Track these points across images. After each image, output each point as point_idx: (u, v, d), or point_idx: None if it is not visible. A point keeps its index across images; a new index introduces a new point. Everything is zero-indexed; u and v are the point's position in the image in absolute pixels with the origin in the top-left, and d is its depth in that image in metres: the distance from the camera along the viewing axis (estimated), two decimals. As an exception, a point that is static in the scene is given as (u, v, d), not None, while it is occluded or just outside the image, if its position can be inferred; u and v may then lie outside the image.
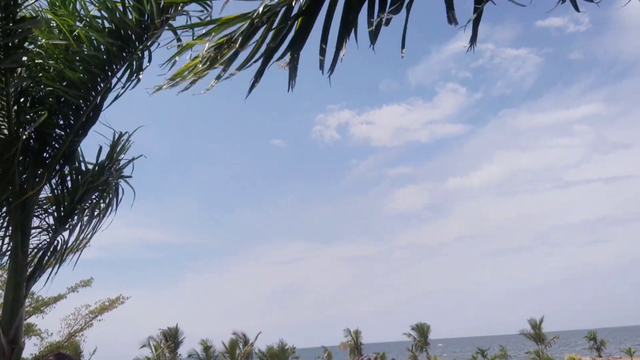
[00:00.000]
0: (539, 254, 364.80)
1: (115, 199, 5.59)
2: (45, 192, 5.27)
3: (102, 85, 4.96)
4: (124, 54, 4.94)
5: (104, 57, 4.78)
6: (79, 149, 5.33)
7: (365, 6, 2.99)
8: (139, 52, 4.97)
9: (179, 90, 4.19)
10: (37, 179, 4.91)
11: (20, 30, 4.32)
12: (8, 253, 4.95)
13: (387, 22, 2.98)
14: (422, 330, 49.53)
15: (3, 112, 4.63)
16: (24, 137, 4.78)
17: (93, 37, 4.76)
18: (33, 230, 5.17)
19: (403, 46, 3.18)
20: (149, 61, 5.06)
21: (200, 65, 4.02)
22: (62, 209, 5.14)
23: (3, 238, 5.05)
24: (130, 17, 4.61)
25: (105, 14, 4.67)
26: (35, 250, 5.06)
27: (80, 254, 5.55)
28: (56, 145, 5.03)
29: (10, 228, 4.97)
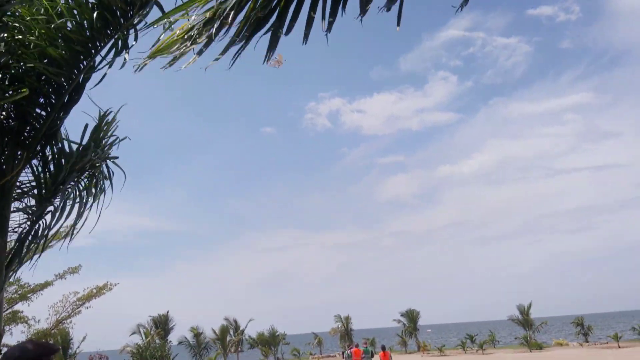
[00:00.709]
0: (528, 241, 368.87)
1: (102, 182, 5.40)
2: (26, 174, 5.08)
3: (84, 63, 4.77)
4: (109, 32, 4.74)
5: (87, 33, 4.59)
6: (62, 129, 5.14)
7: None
8: (124, 30, 4.78)
9: (161, 66, 4.04)
10: (16, 161, 4.71)
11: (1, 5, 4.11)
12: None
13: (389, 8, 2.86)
14: (411, 317, 49.95)
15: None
16: (2, 115, 4.59)
17: (76, 12, 4.56)
18: (13, 214, 4.99)
19: (399, 23, 3.05)
20: (135, 39, 4.86)
21: (186, 42, 3.86)
22: (43, 191, 4.95)
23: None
24: (114, -9, 4.42)
25: (88, -12, 4.46)
26: (16, 234, 4.88)
27: (71, 239, 5.35)
28: (37, 125, 4.84)
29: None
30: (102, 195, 5.29)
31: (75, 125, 5.29)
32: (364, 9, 2.97)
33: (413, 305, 54.10)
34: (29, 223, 5.03)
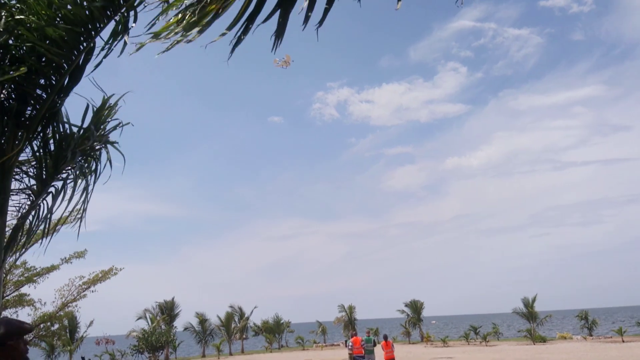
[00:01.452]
0: (534, 233, 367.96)
1: (100, 165, 5.42)
2: (27, 155, 5.10)
3: (84, 44, 4.75)
4: (108, 12, 4.72)
5: (87, 13, 4.57)
6: (63, 111, 5.14)
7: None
8: (123, 11, 4.75)
9: (158, 51, 4.03)
10: (17, 141, 4.73)
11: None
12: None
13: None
14: (415, 307, 50.02)
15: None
16: (3, 95, 4.59)
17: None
18: (15, 197, 5.01)
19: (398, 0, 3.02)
20: (134, 21, 4.84)
21: (180, 27, 3.84)
22: (44, 171, 4.97)
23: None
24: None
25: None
26: (16, 213, 4.91)
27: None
28: (37, 105, 4.84)
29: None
30: (99, 178, 5.30)
31: (79, 109, 5.30)
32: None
33: (418, 296, 54.29)
34: (29, 203, 5.05)
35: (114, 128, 5.50)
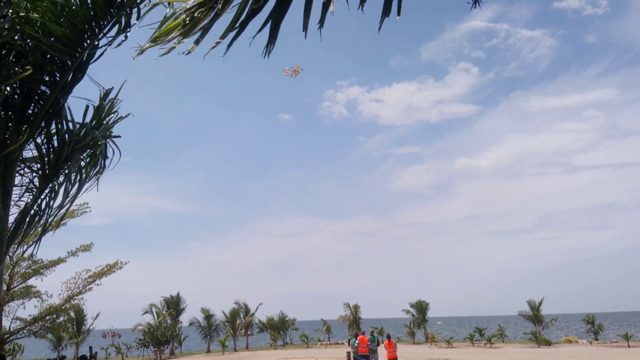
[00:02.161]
0: (543, 236, 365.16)
1: (103, 160, 5.49)
2: (31, 151, 5.18)
3: (88, 41, 4.83)
4: (112, 10, 4.80)
5: (90, 11, 4.64)
6: (65, 107, 5.22)
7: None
8: (127, 9, 4.82)
9: (160, 53, 4.09)
10: (20, 136, 4.81)
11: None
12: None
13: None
14: (421, 308, 49.90)
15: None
16: (7, 92, 4.67)
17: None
18: (18, 190, 5.10)
19: (399, 12, 3.08)
20: (137, 19, 4.91)
21: (178, 30, 3.89)
22: (46, 167, 5.05)
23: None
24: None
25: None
26: (18, 207, 4.99)
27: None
28: (41, 102, 4.92)
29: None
30: (101, 173, 5.37)
31: (82, 103, 5.37)
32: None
33: (423, 296, 54.12)
34: (31, 197, 5.14)
35: (115, 122, 5.57)
